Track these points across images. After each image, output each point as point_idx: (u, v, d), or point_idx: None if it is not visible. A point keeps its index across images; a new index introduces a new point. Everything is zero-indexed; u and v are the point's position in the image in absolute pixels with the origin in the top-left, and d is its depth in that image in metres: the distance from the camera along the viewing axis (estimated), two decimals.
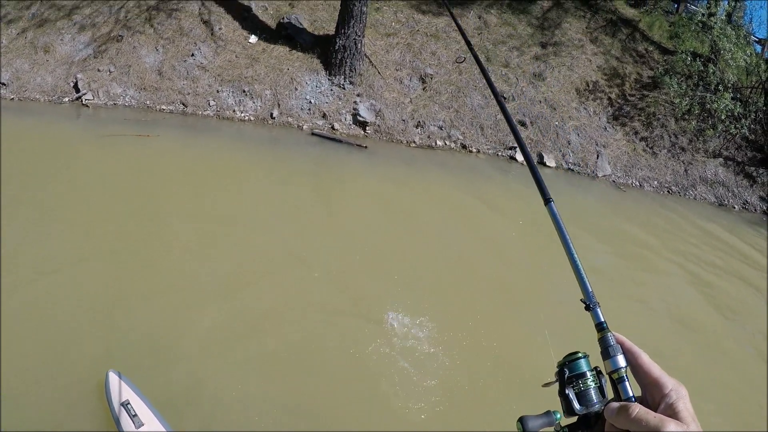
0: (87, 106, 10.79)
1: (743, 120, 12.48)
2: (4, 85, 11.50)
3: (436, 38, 12.11)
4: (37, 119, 10.10)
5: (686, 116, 12.52)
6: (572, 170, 11.19)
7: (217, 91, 10.69)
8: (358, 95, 10.67)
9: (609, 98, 12.76)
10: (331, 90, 10.70)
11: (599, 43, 13.75)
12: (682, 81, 12.86)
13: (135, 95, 10.94)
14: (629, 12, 15.24)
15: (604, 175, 11.26)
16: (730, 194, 12.07)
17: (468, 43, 2.71)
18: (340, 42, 10.65)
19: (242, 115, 10.45)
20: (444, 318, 4.92)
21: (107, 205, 6.58)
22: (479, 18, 12.87)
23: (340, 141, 9.82)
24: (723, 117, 12.25)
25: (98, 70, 11.29)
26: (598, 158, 11.57)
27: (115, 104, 10.86)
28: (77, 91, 11.02)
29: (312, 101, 10.57)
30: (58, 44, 12.00)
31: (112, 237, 5.83)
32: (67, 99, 10.99)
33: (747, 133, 12.69)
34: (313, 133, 10.03)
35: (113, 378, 3.98)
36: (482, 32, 12.58)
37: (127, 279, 5.11)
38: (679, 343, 5.51)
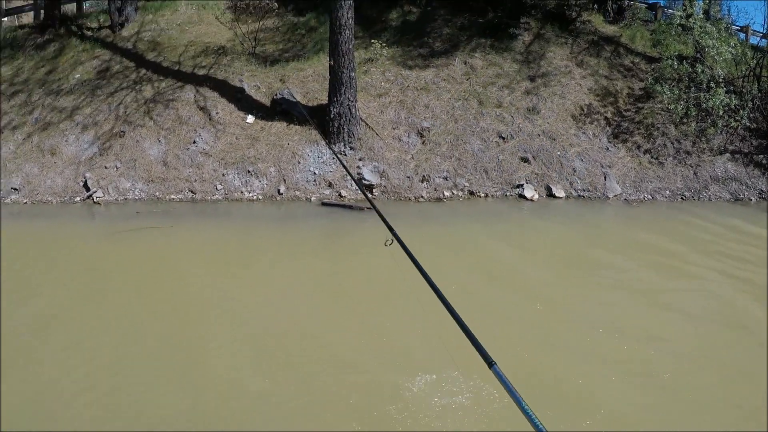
0: (99, 203, 11.00)
1: (741, 111, 12.55)
2: (17, 190, 11.77)
3: (427, 90, 12.34)
4: (51, 221, 10.29)
5: (685, 120, 12.62)
6: (582, 196, 11.25)
7: (223, 175, 10.90)
8: (360, 159, 10.85)
9: (605, 118, 12.89)
10: (333, 159, 10.88)
11: (585, 65, 13.94)
12: (673, 86, 12.98)
13: (144, 188, 11.15)
14: (609, 29, 15.47)
15: (615, 195, 11.32)
16: (744, 187, 12.10)
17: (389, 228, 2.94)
18: (335, 110, 10.88)
19: (250, 195, 10.63)
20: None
21: (129, 300, 6.69)
22: (465, 63, 13.13)
23: (350, 207, 9.96)
24: (721, 112, 12.33)
25: (105, 167, 11.55)
26: (605, 180, 11.64)
27: (125, 199, 11.06)
28: (87, 189, 11.25)
29: (316, 172, 10.75)
30: (63, 145, 12.30)
31: (139, 334, 5.94)
32: (78, 198, 11.22)
33: (748, 123, 12.75)
34: (322, 203, 10.19)
35: None
36: (470, 77, 12.81)
37: (157, 375, 5.20)
38: (735, 347, 5.42)
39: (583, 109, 12.92)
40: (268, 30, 14.04)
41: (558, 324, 5.79)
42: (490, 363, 1.48)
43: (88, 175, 11.45)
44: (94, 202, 11.03)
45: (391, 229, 3.24)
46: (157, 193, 11.01)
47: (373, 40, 12.88)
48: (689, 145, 12.64)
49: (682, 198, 11.56)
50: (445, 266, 7.38)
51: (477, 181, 11.01)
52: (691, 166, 12.28)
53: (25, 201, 11.48)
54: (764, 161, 12.72)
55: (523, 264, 7.84)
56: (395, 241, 3.31)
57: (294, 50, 13.53)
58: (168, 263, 8.11)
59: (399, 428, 4.31)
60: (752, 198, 11.86)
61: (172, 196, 10.91)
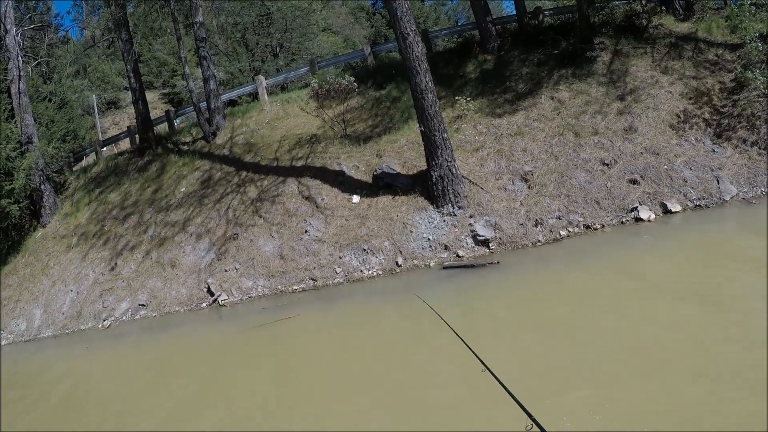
0: (225, 305, 11.51)
1: None
2: (144, 306, 12.55)
3: (521, 134, 12.35)
4: (183, 329, 10.82)
5: None
6: (699, 206, 10.79)
7: (340, 257, 11.21)
8: (470, 216, 10.90)
9: (704, 119, 12.41)
10: (444, 221, 11.00)
11: (671, 70, 13.56)
12: (764, 68, 12.37)
13: (266, 284, 11.60)
14: (683, 27, 15.05)
15: (732, 197, 10.79)
16: None
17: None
18: (436, 173, 11.05)
19: (370, 272, 10.85)
20: None
21: (280, 392, 7.01)
22: (552, 98, 13.07)
23: (472, 266, 9.96)
24: None
25: (225, 271, 12.13)
26: (719, 183, 11.13)
27: (249, 297, 11.53)
28: (211, 294, 11.83)
29: (430, 238, 10.88)
30: (181, 257, 13.03)
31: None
32: (204, 304, 11.79)
33: None
34: (444, 267, 10.25)
35: None
36: (560, 111, 12.72)
37: None
38: None
39: (679, 116, 12.51)
40: (354, 110, 14.57)
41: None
42: None
43: (210, 280, 12.05)
44: (220, 305, 11.57)
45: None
46: (279, 287, 11.42)
47: (456, 97, 13.10)
48: None
49: None
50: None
51: (590, 214, 10.79)
52: None
53: (154, 314, 12.22)
54: None
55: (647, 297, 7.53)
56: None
57: (383, 124, 13.94)
58: (301, 350, 8.40)
59: None
60: None
61: (294, 287, 11.29)
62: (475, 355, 2.91)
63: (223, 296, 11.74)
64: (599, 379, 5.67)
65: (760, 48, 12.52)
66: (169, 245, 13.58)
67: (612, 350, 6.23)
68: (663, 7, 15.83)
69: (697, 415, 4.76)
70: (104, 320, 12.60)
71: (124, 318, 12.61)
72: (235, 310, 11.28)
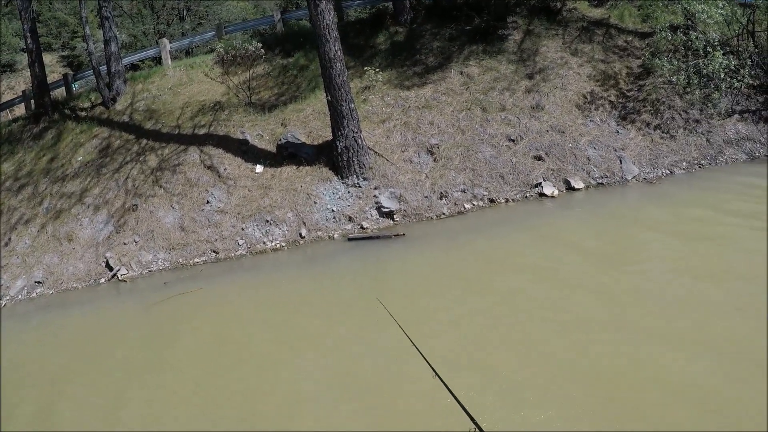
0: (124, 281, 10.91)
1: (742, 70, 12.30)
2: (40, 283, 11.72)
3: (429, 108, 12.24)
4: (83, 307, 10.19)
5: (688, 89, 12.37)
6: (602, 184, 11.05)
7: (242, 229, 10.79)
8: (375, 188, 10.71)
9: (609, 102, 12.71)
10: (349, 192, 10.75)
11: (580, 53, 13.80)
12: (671, 57, 12.80)
13: (166, 257, 11.05)
14: (596, 12, 15.35)
15: (634, 177, 11.10)
16: (757, 145, 11.87)
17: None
18: (341, 144, 10.78)
19: (273, 244, 10.50)
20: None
21: (179, 370, 6.65)
22: (461, 74, 13.03)
23: (377, 237, 9.79)
24: (722, 75, 12.07)
25: (124, 244, 11.48)
26: (621, 163, 11.42)
27: (150, 271, 10.96)
28: (110, 269, 11.17)
29: (334, 209, 10.62)
30: (79, 230, 12.25)
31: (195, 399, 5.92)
32: (103, 279, 11.14)
33: (750, 81, 12.48)
34: (349, 239, 10.02)
35: None
36: (469, 86, 12.70)
37: None
38: None
39: (586, 97, 12.75)
40: (260, 77, 14.06)
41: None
42: None
43: (108, 254, 11.39)
44: (120, 280, 10.95)
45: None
46: (180, 260, 10.91)
47: (365, 68, 12.84)
48: (697, 113, 12.41)
49: (699, 166, 11.34)
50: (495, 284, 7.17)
51: (495, 188, 10.83)
52: (703, 134, 12.05)
53: (51, 292, 11.42)
54: None
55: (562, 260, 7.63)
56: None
57: (289, 92, 13.50)
58: (207, 325, 8.04)
59: None
60: None
61: (196, 260, 10.80)
62: (426, 360, 2.77)
63: (123, 271, 11.10)
64: (511, 336, 5.83)
65: (669, 38, 12.90)
66: (65, 218, 12.72)
67: (525, 308, 6.39)
68: None
69: (612, 364, 5.04)
70: None
71: (20, 297, 11.77)
72: (135, 285, 10.71)
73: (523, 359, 5.39)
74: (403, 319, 3.97)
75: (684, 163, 11.41)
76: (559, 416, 4.45)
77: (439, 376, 2.57)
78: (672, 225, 8.55)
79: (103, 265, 11.33)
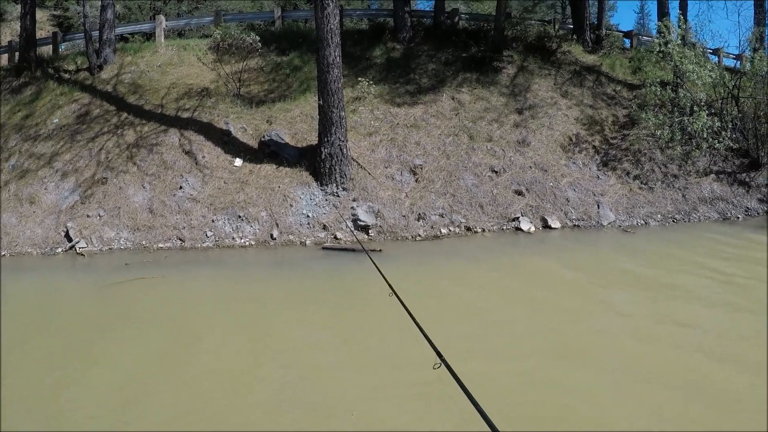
0: (82, 254, 10.50)
1: (723, 132, 12.68)
2: None
3: (417, 128, 12.23)
4: (32, 275, 9.76)
5: (670, 144, 12.69)
6: (577, 225, 11.19)
7: (213, 221, 10.56)
8: (354, 200, 10.62)
9: (593, 146, 12.93)
10: (326, 200, 10.63)
11: (570, 95, 14.03)
12: (657, 112, 13.13)
13: (129, 237, 10.72)
14: (589, 59, 15.65)
15: (609, 223, 11.30)
16: (730, 206, 12.27)
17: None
18: (326, 150, 10.67)
19: (242, 241, 10.30)
20: None
21: (120, 358, 6.41)
22: (452, 99, 13.09)
23: (353, 250, 9.60)
24: (705, 135, 12.44)
25: (87, 216, 11.10)
26: (599, 208, 11.60)
27: (110, 249, 10.60)
28: (69, 240, 10.77)
29: (309, 215, 10.48)
30: (42, 194, 11.82)
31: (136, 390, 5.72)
32: (60, 249, 10.74)
33: (731, 144, 12.87)
34: (323, 248, 9.85)
35: None
36: (459, 112, 12.75)
37: None
38: None
39: (571, 139, 12.94)
40: (252, 70, 13.84)
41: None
42: None
43: (69, 224, 10.99)
44: (77, 253, 10.54)
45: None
46: (144, 242, 10.59)
47: (359, 78, 12.77)
48: (676, 169, 12.73)
49: (673, 221, 11.64)
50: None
51: (473, 217, 10.85)
52: (679, 189, 12.36)
53: (3, 253, 10.96)
54: (747, 179, 12.89)
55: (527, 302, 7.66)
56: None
57: (279, 90, 13.33)
58: (163, 315, 7.75)
59: None
60: (739, 216, 12.07)
61: (160, 245, 10.49)
62: (433, 346, 2.72)
63: (82, 244, 10.70)
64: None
65: (658, 93, 13.22)
66: (31, 179, 12.24)
67: (496, 326, 6.41)
68: (574, 36, 16.40)
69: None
70: None
71: None
72: (93, 261, 10.29)
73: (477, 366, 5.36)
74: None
75: (659, 216, 11.67)
76: None
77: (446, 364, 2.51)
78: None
79: (63, 234, 10.93)
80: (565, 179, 12.00)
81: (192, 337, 7.05)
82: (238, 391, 5.59)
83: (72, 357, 6.69)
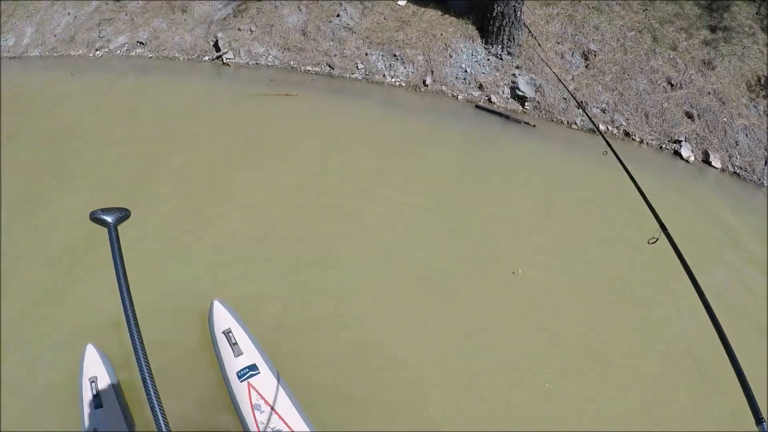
0: (228, 65, 10.53)
1: None
2: (143, 44, 11.45)
3: (599, 11, 11.03)
4: (180, 77, 10.01)
5: None
6: (738, 174, 10.00)
7: (366, 54, 10.06)
8: (517, 67, 9.79)
9: None
10: (488, 60, 9.86)
11: None
12: None
13: (278, 55, 10.48)
14: None
15: None
16: None
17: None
18: (498, 8, 9.76)
19: (392, 80, 9.79)
20: None
21: (251, 161, 6.50)
22: None
23: (507, 117, 9.00)
24: None
25: (239, 29, 10.91)
26: (766, 165, 10.33)
27: (257, 64, 10.49)
28: (217, 50, 10.73)
29: (467, 70, 9.76)
30: (196, 4, 11.81)
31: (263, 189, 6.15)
32: (207, 58, 10.74)
33: None
34: (477, 106, 9.25)
35: (218, 307, 4.08)
36: (648, 9, 11.40)
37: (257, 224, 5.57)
38: None
39: (760, 80, 11.44)
40: None
41: None
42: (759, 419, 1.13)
43: (219, 35, 10.87)
44: (224, 63, 10.58)
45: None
46: (292, 63, 10.36)
47: None
48: None
49: None
50: None
51: (635, 123, 9.87)
52: None
53: (150, 55, 11.26)
54: None
55: None
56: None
57: None
58: (299, 130, 7.78)
59: None
60: None
61: (308, 68, 10.24)
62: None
63: (230, 55, 10.62)
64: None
65: None
66: None
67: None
68: None
69: None
70: (96, 50, 11.66)
71: (118, 52, 11.68)
72: (238, 73, 10.37)
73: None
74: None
75: None
76: None
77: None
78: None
79: (212, 43, 10.90)
80: (741, 120, 10.68)
81: (317, 156, 6.95)
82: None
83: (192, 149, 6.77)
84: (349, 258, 5.21)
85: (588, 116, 3.65)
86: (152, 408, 1.46)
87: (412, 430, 3.75)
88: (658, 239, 2.42)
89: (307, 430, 3.37)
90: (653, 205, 2.69)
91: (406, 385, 4.06)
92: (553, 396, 4.20)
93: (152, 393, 1.50)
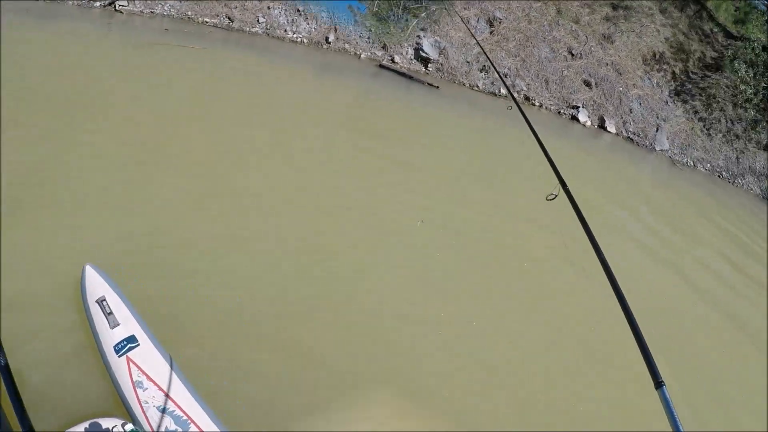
0: (121, 12, 9.89)
1: None
2: None
3: None
4: (65, 24, 9.23)
5: (746, 104, 11.86)
6: (631, 139, 10.58)
7: (268, 8, 9.84)
8: (422, 29, 9.86)
9: (673, 72, 12.07)
10: (394, 20, 9.86)
11: (668, 14, 12.97)
12: (748, 68, 12.22)
13: (175, 4, 10.04)
14: None
15: (662, 150, 10.65)
16: None
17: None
18: None
19: (294, 36, 9.62)
20: None
21: (143, 113, 5.99)
22: None
23: (410, 77, 9.02)
24: None
25: None
26: (657, 131, 10.92)
27: (152, 12, 9.96)
28: None
29: (372, 30, 9.73)
30: None
31: (140, 140, 5.31)
32: (98, 3, 10.10)
33: None
34: (380, 65, 9.22)
35: (90, 273, 3.53)
36: None
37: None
38: None
39: (655, 55, 12.05)
40: None
41: None
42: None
43: None
44: (116, 10, 9.91)
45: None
46: (190, 13, 9.94)
47: None
48: (740, 130, 11.95)
49: (719, 176, 10.95)
50: None
51: (535, 88, 10.17)
52: (736, 150, 11.64)
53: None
54: None
55: None
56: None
57: None
58: (191, 84, 7.33)
59: None
60: None
61: (206, 20, 9.86)
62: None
63: (123, 2, 10.00)
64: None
65: (757, 52, 12.28)
66: None
67: None
68: None
69: None
70: None
71: None
72: (132, 21, 9.71)
73: None
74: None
75: (708, 165, 11.06)
76: None
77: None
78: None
79: None
80: (635, 90, 11.24)
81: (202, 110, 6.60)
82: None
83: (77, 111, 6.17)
84: (220, 215, 4.73)
85: (498, 74, 3.60)
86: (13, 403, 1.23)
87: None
88: (557, 195, 2.38)
89: (197, 406, 3.05)
90: (554, 162, 2.68)
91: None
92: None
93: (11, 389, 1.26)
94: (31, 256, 3.74)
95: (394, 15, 9.89)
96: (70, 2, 10.13)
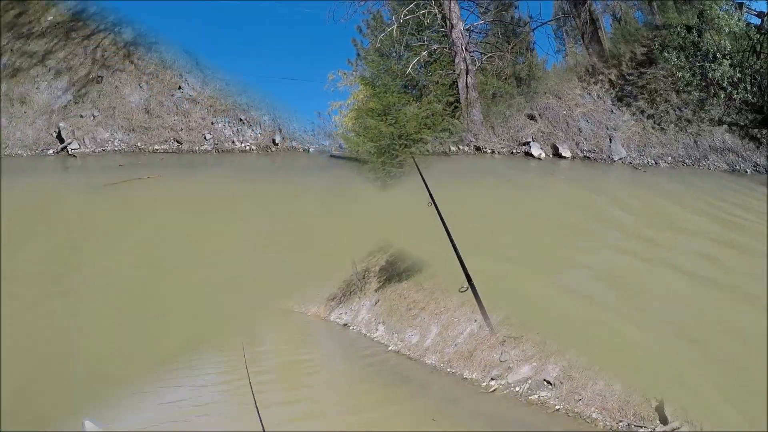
0: (74, 155, 10.15)
1: (742, 84, 12.20)
2: None
3: None
4: (26, 176, 9.45)
5: (687, 88, 12.22)
6: (588, 158, 10.87)
7: (212, 123, 10.11)
8: None
9: (609, 80, 12.45)
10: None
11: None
12: (679, 54, 12.59)
13: (124, 138, 10.31)
14: None
15: (620, 158, 10.95)
16: (740, 159, 11.81)
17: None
18: None
19: (242, 145, 9.90)
20: None
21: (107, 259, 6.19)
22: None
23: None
24: (725, 84, 11.96)
25: (81, 116, 10.65)
26: (611, 142, 11.24)
27: (103, 150, 10.22)
28: (61, 141, 10.39)
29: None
30: (34, 93, 11.34)
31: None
32: (51, 151, 10.37)
33: (748, 97, 12.41)
34: (331, 156, 9.49)
35: None
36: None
37: None
38: None
39: (587, 70, 12.44)
40: None
41: None
42: None
43: (62, 125, 10.55)
44: (69, 155, 10.16)
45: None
46: (139, 144, 10.20)
47: None
48: (690, 114, 12.28)
49: (683, 164, 11.26)
50: None
51: (483, 137, 10.45)
52: (692, 135, 11.95)
53: None
54: (758, 135, 12.45)
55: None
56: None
57: None
58: (163, 215, 7.54)
59: None
60: (747, 170, 11.61)
61: (156, 147, 10.14)
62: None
63: (74, 145, 10.27)
64: None
65: (683, 35, 12.67)
66: (22, 78, 11.65)
67: None
68: None
69: None
70: None
71: None
72: (86, 163, 9.99)
73: None
74: None
75: (669, 158, 11.34)
76: None
77: None
78: None
79: (54, 135, 10.52)
80: (579, 109, 11.58)
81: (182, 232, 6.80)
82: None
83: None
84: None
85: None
86: None
87: None
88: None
89: None
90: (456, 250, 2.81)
91: None
92: None
93: None
94: None
95: None
96: (22, 153, 10.32)
